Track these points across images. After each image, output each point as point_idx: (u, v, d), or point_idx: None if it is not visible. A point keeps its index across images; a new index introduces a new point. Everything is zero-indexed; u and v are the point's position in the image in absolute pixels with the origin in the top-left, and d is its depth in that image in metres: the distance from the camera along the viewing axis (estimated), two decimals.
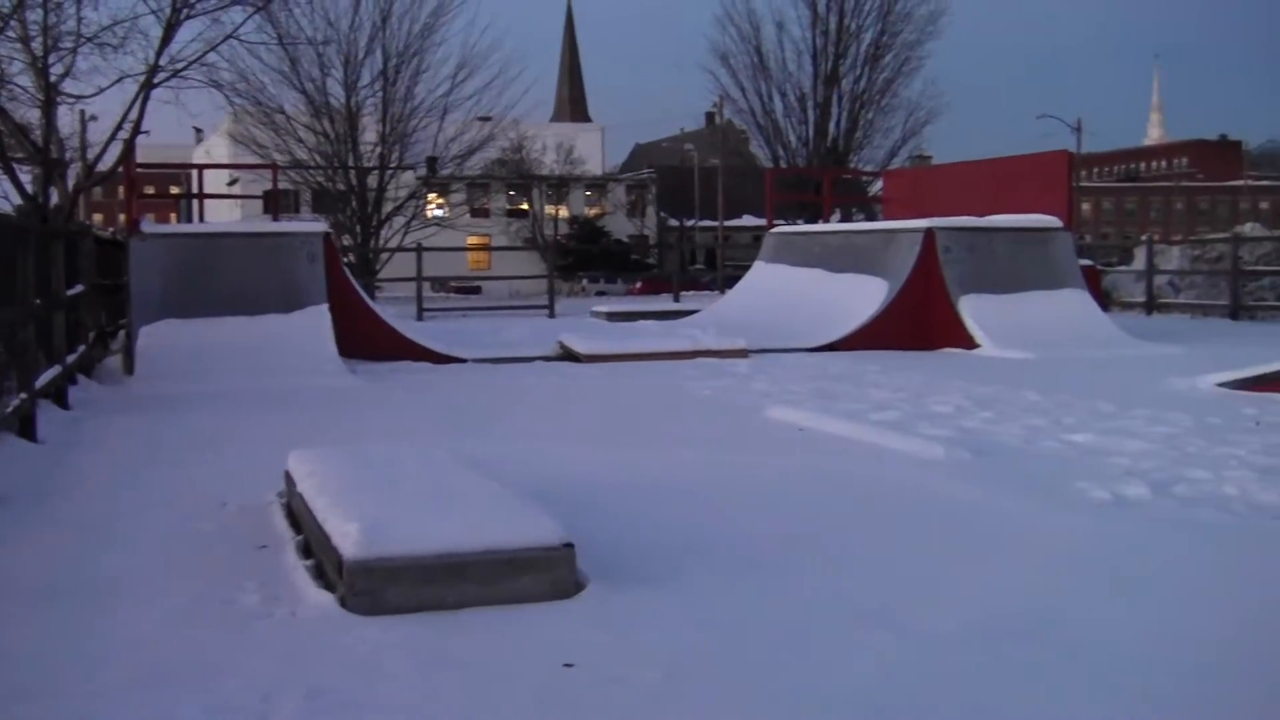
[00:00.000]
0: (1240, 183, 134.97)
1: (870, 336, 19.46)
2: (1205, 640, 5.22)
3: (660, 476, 8.78)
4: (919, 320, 19.80)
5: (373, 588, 5.52)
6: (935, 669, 4.86)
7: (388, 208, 44.12)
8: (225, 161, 42.53)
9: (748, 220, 79.02)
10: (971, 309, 19.43)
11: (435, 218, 56.10)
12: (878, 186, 41.06)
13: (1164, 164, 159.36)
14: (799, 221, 38.34)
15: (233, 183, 42.86)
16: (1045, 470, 9.00)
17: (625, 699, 4.51)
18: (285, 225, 21.93)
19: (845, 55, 51.49)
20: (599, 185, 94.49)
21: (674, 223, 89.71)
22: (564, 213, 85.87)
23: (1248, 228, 35.21)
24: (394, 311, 23.77)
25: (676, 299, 36.06)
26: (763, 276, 24.37)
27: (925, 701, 4.52)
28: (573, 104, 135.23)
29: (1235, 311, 27.39)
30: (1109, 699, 4.55)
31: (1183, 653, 5.05)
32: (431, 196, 57.48)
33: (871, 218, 40.81)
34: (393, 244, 42.60)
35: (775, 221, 28.19)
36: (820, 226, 26.88)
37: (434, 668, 4.84)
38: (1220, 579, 6.16)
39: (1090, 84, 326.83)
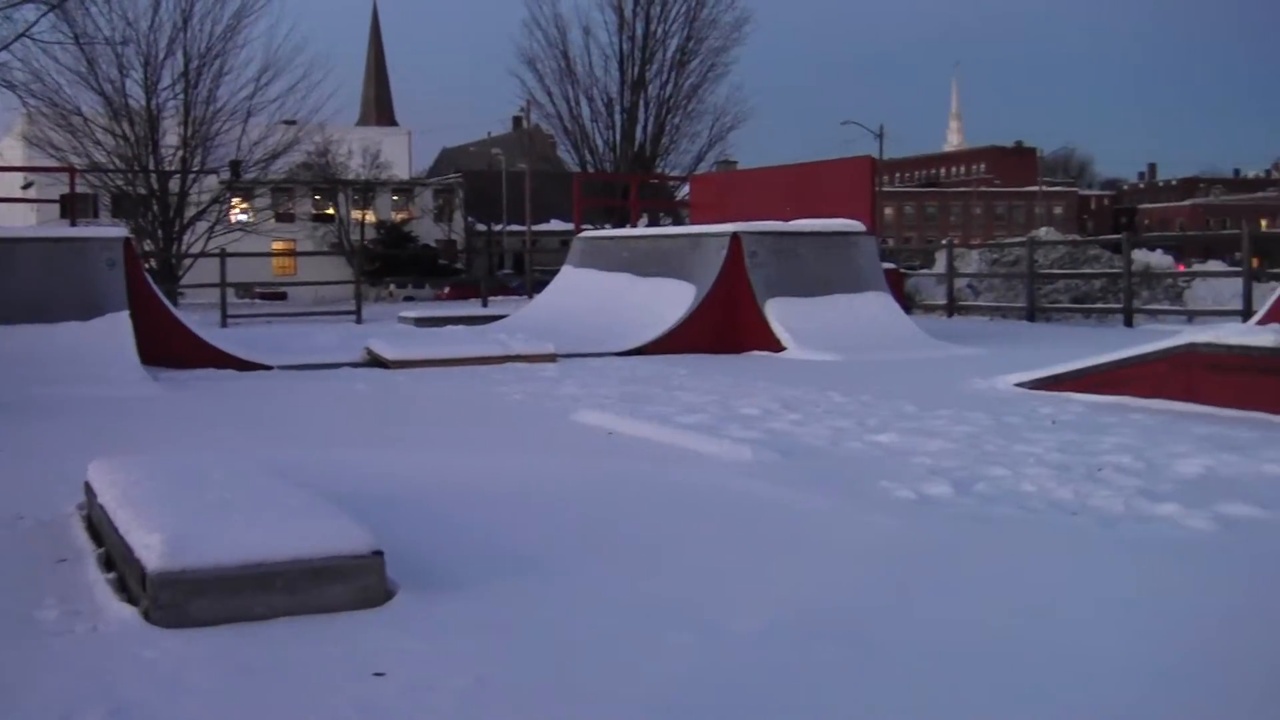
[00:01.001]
0: (1035, 188, 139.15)
1: (678, 340, 19.56)
2: (1008, 634, 5.36)
3: (471, 482, 8.74)
4: (726, 323, 19.96)
5: (177, 600, 5.39)
6: (744, 668, 4.91)
7: (190, 212, 43.41)
8: (19, 164, 41.29)
9: (556, 225, 79.44)
10: (777, 312, 19.65)
11: (239, 223, 55.29)
12: (685, 191, 41.41)
13: (963, 170, 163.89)
14: (607, 226, 38.63)
15: (28, 186, 41.73)
16: (851, 470, 9.13)
17: (436, 706, 4.49)
18: (83, 230, 21.43)
19: (652, 61, 52.04)
20: (406, 190, 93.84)
21: (482, 227, 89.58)
22: (371, 217, 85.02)
23: (1042, 232, 36.29)
24: (198, 318, 23.33)
25: (485, 304, 36.08)
26: (571, 281, 24.38)
27: (734, 700, 4.57)
28: (379, 108, 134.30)
29: (1032, 313, 28.19)
30: (914, 696, 4.65)
31: (986, 646, 5.18)
32: (235, 201, 56.56)
33: (679, 222, 41.21)
34: (196, 249, 41.92)
35: (583, 226, 28.31)
36: (628, 231, 27.05)
37: (241, 680, 4.76)
38: (1019, 574, 6.33)
39: (892, 91, 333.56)
